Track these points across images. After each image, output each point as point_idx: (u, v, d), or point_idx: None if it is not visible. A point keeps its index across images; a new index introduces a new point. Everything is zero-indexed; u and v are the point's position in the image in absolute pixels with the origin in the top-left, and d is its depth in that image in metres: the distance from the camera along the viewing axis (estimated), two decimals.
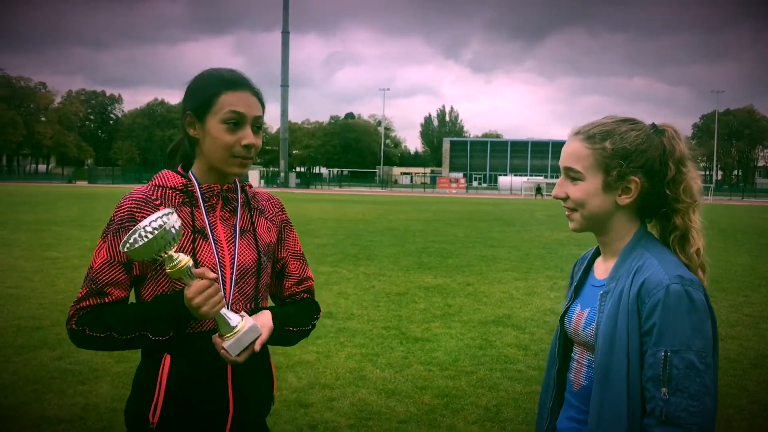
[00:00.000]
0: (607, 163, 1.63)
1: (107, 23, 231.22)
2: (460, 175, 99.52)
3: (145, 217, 1.68)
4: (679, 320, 1.48)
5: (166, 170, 1.89)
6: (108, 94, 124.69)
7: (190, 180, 1.84)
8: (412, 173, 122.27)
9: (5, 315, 7.42)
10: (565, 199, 1.70)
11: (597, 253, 1.83)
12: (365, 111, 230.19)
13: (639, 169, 1.63)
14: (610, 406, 1.55)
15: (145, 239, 1.59)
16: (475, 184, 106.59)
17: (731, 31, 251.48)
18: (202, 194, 1.84)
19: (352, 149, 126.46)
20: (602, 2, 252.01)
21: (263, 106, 1.88)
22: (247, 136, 1.79)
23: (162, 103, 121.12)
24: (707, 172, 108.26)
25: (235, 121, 1.78)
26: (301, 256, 2.09)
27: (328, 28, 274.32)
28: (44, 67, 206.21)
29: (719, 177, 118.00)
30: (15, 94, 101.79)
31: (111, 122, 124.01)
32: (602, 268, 1.75)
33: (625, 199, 1.65)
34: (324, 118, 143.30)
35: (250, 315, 1.81)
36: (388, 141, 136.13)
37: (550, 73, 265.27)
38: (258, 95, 1.85)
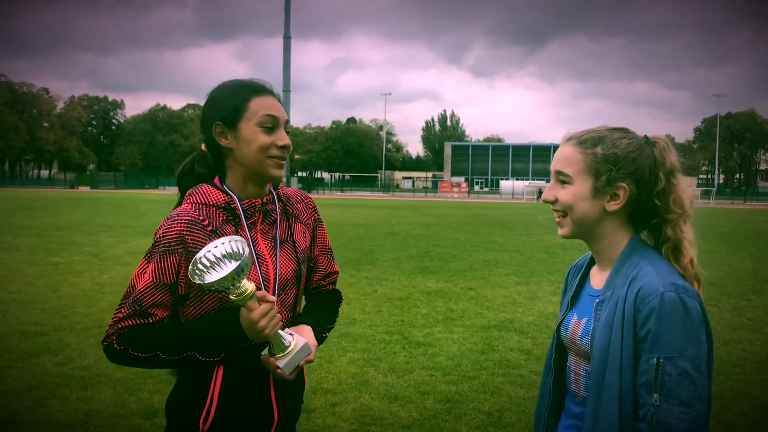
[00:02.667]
0: (597, 168, 1.65)
1: (113, 29, 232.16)
2: (461, 179, 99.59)
3: (196, 240, 1.74)
4: (674, 327, 1.49)
5: (204, 185, 1.86)
6: (110, 99, 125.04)
7: (230, 196, 1.84)
8: (413, 178, 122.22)
9: (8, 320, 7.43)
10: (554, 202, 1.71)
11: (593, 262, 1.83)
12: (367, 116, 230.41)
13: (628, 176, 1.64)
14: (603, 413, 1.56)
15: (221, 273, 1.60)
16: (476, 188, 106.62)
17: (732, 34, 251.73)
18: (244, 211, 1.84)
19: (353, 154, 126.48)
20: (603, 7, 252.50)
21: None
22: (283, 137, 1.84)
23: (164, 108, 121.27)
24: (709, 176, 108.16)
25: (271, 125, 1.82)
26: (329, 251, 2.14)
27: (332, 34, 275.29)
28: (48, 72, 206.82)
29: (721, 181, 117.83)
30: (17, 100, 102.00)
31: (113, 127, 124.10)
32: (598, 278, 1.75)
33: (613, 206, 1.66)
34: (326, 123, 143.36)
35: (289, 324, 1.86)
36: (389, 145, 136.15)
37: (551, 77, 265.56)
38: (281, 100, 1.90)
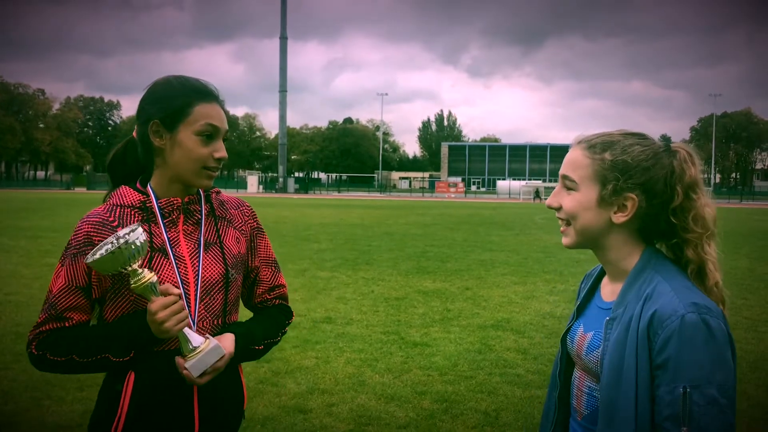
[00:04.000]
0: (604, 175, 1.52)
1: (112, 31, 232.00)
2: (458, 179, 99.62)
3: (103, 240, 1.68)
4: (697, 352, 1.35)
5: (124, 187, 1.82)
6: (106, 100, 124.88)
7: (148, 195, 1.78)
8: (410, 178, 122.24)
9: (4, 322, 7.41)
10: (559, 209, 1.60)
11: (603, 271, 1.70)
12: (364, 116, 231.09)
13: (637, 187, 1.50)
14: None
15: (109, 252, 1.58)
16: (473, 188, 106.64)
17: (728, 34, 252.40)
18: (160, 210, 1.78)
19: (350, 154, 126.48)
20: (600, 7, 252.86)
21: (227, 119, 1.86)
22: (220, 149, 1.78)
23: None
24: (705, 175, 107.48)
25: (210, 134, 1.76)
26: (274, 263, 2.04)
27: (329, 35, 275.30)
28: (46, 74, 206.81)
29: (717, 180, 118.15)
30: (13, 101, 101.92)
31: (109, 128, 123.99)
32: (608, 289, 1.63)
33: (620, 217, 1.52)
34: (323, 124, 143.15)
35: (218, 331, 1.79)
36: (386, 146, 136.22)
37: (548, 77, 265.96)
38: (224, 108, 1.83)
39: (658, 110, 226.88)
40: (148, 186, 1.81)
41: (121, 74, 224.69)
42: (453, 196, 74.72)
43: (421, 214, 32.02)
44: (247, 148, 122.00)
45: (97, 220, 1.75)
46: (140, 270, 1.63)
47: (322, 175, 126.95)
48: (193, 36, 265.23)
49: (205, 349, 1.69)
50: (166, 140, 1.76)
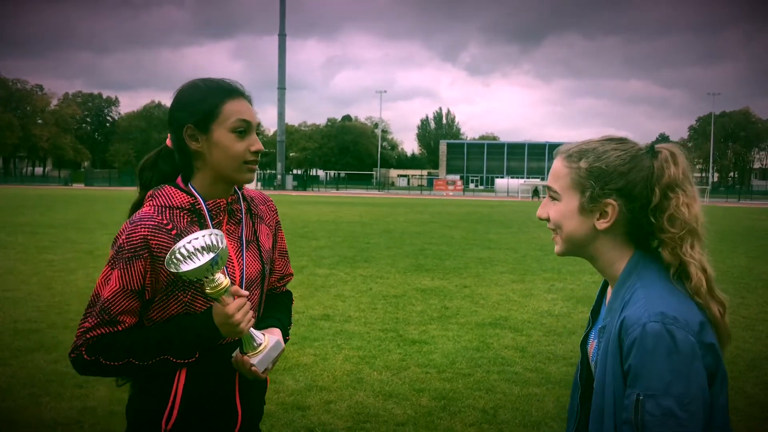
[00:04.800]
0: (582, 183, 1.53)
1: (112, 28, 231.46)
2: (456, 177, 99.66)
3: (161, 245, 1.70)
4: (657, 362, 1.34)
5: (167, 187, 1.82)
6: (105, 96, 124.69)
7: (195, 197, 1.81)
8: (409, 175, 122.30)
9: (2, 318, 7.41)
10: (547, 219, 1.62)
11: None
12: (363, 113, 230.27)
13: (615, 192, 1.51)
14: None
15: (198, 261, 1.59)
16: (471, 186, 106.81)
17: (726, 33, 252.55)
18: (209, 212, 1.81)
19: (349, 151, 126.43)
20: (598, 5, 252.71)
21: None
22: (256, 142, 1.82)
23: (159, 105, 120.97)
24: (703, 175, 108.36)
25: (243, 129, 1.79)
26: (286, 253, 2.13)
27: (329, 33, 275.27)
28: (45, 70, 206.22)
29: (715, 179, 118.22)
30: (11, 97, 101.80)
31: (108, 125, 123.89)
32: (610, 296, 1.63)
33: (602, 224, 1.53)
34: (322, 121, 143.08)
35: (254, 325, 1.83)
36: (385, 143, 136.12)
37: (546, 75, 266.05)
38: (252, 103, 1.87)
39: (656, 109, 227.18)
40: (191, 187, 1.82)
41: (121, 71, 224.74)
42: (451, 194, 74.73)
43: (419, 212, 32.01)
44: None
45: (153, 223, 1.73)
46: (218, 276, 1.64)
47: (321, 173, 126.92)
48: (193, 33, 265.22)
49: (269, 345, 1.76)
50: (203, 142, 1.79)
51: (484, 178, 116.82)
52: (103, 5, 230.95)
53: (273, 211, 2.06)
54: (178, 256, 1.61)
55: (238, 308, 1.68)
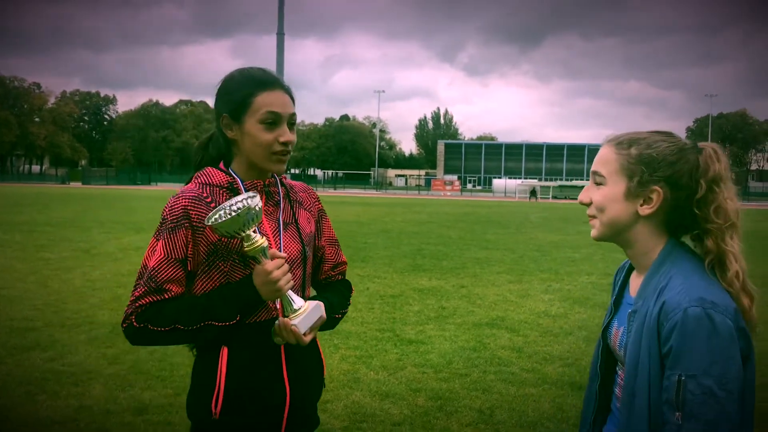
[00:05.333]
0: (631, 169, 1.60)
1: (112, 26, 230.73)
2: (454, 177, 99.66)
3: (200, 215, 1.81)
4: (697, 344, 1.42)
5: (209, 168, 1.93)
6: (102, 94, 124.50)
7: (233, 177, 1.90)
8: (406, 175, 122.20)
9: None
10: (589, 204, 1.68)
11: (633, 266, 1.78)
12: (361, 113, 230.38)
13: (663, 180, 1.58)
14: (634, 429, 1.53)
15: (231, 215, 1.68)
16: (469, 186, 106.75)
17: (724, 35, 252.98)
18: (246, 191, 1.89)
19: (347, 151, 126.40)
20: (597, 6, 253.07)
21: (294, 102, 1.94)
22: (284, 133, 1.87)
23: (156, 104, 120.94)
24: (732, 174, 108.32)
25: (272, 121, 1.85)
26: (336, 242, 2.19)
27: (327, 32, 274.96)
28: (43, 68, 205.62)
29: None
30: (8, 94, 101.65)
31: (105, 123, 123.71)
32: (635, 284, 1.71)
33: (645, 210, 1.60)
34: (320, 120, 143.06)
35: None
36: (383, 143, 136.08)
37: (545, 76, 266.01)
38: (289, 92, 1.92)
39: (654, 110, 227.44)
40: (230, 169, 1.93)
41: (119, 69, 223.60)
42: (449, 194, 74.76)
43: (417, 212, 32.03)
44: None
45: (193, 195, 1.84)
46: (254, 235, 1.74)
47: (318, 172, 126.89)
48: (192, 32, 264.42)
49: (308, 308, 1.82)
50: (236, 131, 1.88)
51: (482, 178, 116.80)
52: (102, 3, 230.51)
53: (314, 199, 2.13)
54: (220, 213, 1.71)
55: (277, 267, 1.76)
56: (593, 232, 1.69)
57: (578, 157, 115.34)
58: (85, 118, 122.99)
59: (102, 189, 57.84)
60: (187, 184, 1.93)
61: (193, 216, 1.81)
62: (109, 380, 5.26)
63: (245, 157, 1.90)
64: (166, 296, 1.80)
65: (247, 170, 1.92)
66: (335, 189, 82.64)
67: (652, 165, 1.59)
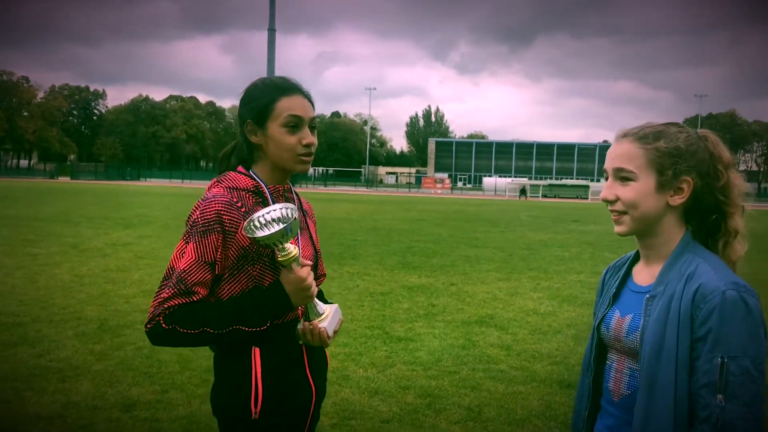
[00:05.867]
0: (660, 162, 1.62)
1: (102, 20, 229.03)
2: (445, 175, 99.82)
3: (232, 220, 1.86)
4: (735, 326, 1.47)
5: (231, 173, 1.99)
6: (92, 89, 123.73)
7: (257, 181, 1.97)
8: (397, 173, 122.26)
9: None
10: (614, 201, 1.66)
11: (636, 259, 1.80)
12: (352, 110, 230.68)
13: (693, 169, 1.62)
14: (656, 414, 1.53)
15: (273, 229, 1.76)
16: (459, 184, 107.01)
17: (713, 36, 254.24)
18: (270, 195, 1.98)
19: (337, 148, 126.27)
20: (588, 7, 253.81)
21: (314, 106, 2.02)
22: (306, 135, 1.95)
23: (146, 99, 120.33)
24: None
25: (294, 124, 1.94)
26: (320, 254, 2.24)
27: (319, 29, 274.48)
28: (33, 62, 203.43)
29: None
30: None
31: (94, 118, 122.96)
32: (644, 274, 1.72)
33: (677, 200, 1.63)
34: None
35: None
36: (374, 140, 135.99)
37: (536, 75, 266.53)
38: (309, 98, 2.00)
39: (644, 110, 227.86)
40: (252, 173, 2.00)
41: (109, 64, 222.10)
42: (439, 191, 74.85)
43: (407, 210, 32.05)
44: (234, 140, 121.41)
45: (225, 200, 1.88)
46: (289, 245, 1.82)
47: (309, 169, 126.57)
48: (183, 27, 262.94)
49: (331, 312, 1.94)
50: (260, 136, 1.96)
51: (472, 176, 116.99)
52: None
53: (313, 211, 2.27)
54: (256, 224, 1.78)
55: (309, 273, 1.86)
56: (621, 228, 1.68)
57: (568, 156, 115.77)
58: (74, 112, 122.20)
59: (91, 184, 57.52)
60: (213, 188, 1.97)
61: (225, 221, 1.85)
62: (96, 376, 5.24)
63: (269, 161, 1.97)
64: (195, 298, 1.83)
65: (270, 174, 1.99)
66: (326, 186, 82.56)
67: (682, 156, 1.62)
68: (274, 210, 1.79)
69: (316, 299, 1.92)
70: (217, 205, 1.86)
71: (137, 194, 38.49)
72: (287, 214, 1.79)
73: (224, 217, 1.85)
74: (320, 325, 1.88)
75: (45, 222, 18.15)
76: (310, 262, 1.91)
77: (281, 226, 1.77)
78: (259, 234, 1.76)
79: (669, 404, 1.52)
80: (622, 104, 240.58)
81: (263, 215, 1.79)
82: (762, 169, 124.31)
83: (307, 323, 1.90)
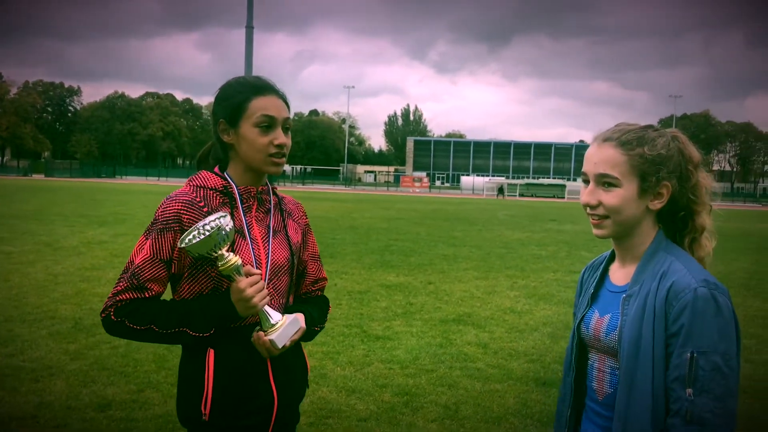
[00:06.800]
0: (644, 169, 1.63)
1: (79, 16, 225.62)
2: (423, 174, 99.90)
3: (192, 219, 1.85)
4: (706, 323, 1.50)
5: (204, 171, 1.98)
6: (67, 85, 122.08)
7: (228, 181, 1.95)
8: (375, 172, 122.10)
9: None
10: (596, 206, 1.67)
11: (611, 260, 1.83)
12: (330, 109, 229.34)
13: (672, 174, 1.65)
14: (636, 409, 1.56)
15: (202, 237, 1.73)
16: (438, 183, 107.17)
17: (687, 38, 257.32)
18: (240, 195, 1.95)
19: (316, 146, 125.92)
20: (565, 8, 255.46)
21: (289, 108, 1.99)
22: (279, 136, 1.92)
23: (122, 96, 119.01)
24: None
25: (267, 124, 1.91)
26: (318, 258, 2.26)
27: (298, 27, 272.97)
28: (6, 58, 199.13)
29: None
30: None
31: (69, 115, 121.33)
32: (620, 274, 1.75)
33: (657, 204, 1.66)
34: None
35: (283, 310, 1.97)
36: (352, 139, 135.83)
37: (513, 75, 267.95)
38: (284, 98, 1.98)
39: (620, 110, 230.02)
40: (226, 173, 1.98)
41: (86, 60, 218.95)
42: (417, 190, 74.99)
43: (385, 208, 32.06)
44: (211, 138, 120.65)
45: (187, 199, 1.89)
46: (227, 254, 1.79)
47: (287, 167, 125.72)
48: (161, 24, 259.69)
49: (285, 323, 1.87)
50: (233, 136, 1.94)
51: (451, 175, 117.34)
52: None
53: (302, 213, 2.20)
54: (192, 235, 1.75)
55: (250, 284, 1.80)
56: (602, 232, 1.70)
57: (545, 155, 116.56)
58: (49, 109, 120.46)
59: (66, 182, 56.75)
60: (184, 186, 1.97)
61: (185, 220, 1.85)
62: (71, 376, 5.18)
63: (241, 161, 1.95)
64: (147, 294, 1.84)
65: (242, 175, 1.96)
66: (304, 184, 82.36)
67: (664, 163, 1.65)
68: (212, 221, 1.75)
69: (269, 309, 1.86)
70: (177, 203, 1.87)
71: (113, 192, 38.07)
72: (220, 223, 1.75)
73: (184, 216, 1.85)
74: (266, 337, 1.83)
75: (19, 220, 17.88)
76: (257, 271, 1.84)
77: (203, 236, 1.73)
78: (189, 243, 1.75)
79: (647, 401, 1.54)
80: (599, 104, 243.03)
81: (201, 226, 1.75)
82: (735, 169, 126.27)
83: (256, 333, 1.87)
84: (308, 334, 2.04)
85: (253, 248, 1.93)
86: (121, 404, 4.64)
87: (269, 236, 1.99)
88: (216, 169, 1.99)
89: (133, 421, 4.37)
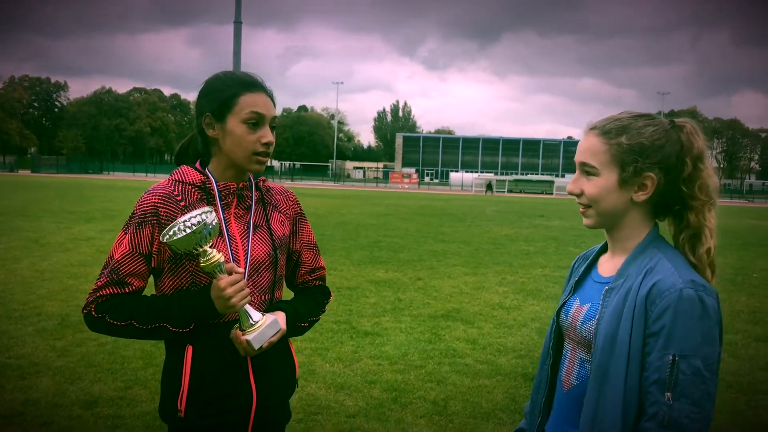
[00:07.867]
0: (623, 159, 1.60)
1: (68, 12, 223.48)
2: (412, 170, 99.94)
3: (169, 212, 1.84)
4: (691, 325, 1.46)
5: (184, 166, 1.96)
6: (53, 81, 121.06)
7: (207, 177, 1.92)
8: (364, 168, 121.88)
9: None
10: (580, 195, 1.66)
11: (602, 250, 1.80)
12: (319, 105, 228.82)
13: (655, 165, 1.59)
14: (606, 406, 1.53)
15: (185, 232, 1.71)
16: (427, 179, 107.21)
17: (674, 36, 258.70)
18: (219, 192, 1.92)
19: (304, 142, 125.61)
20: (554, 5, 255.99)
21: (275, 106, 1.98)
22: (267, 134, 1.91)
23: (109, 91, 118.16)
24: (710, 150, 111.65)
25: (255, 121, 1.89)
26: (315, 246, 2.20)
27: (288, 23, 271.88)
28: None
29: None
30: None
31: (56, 110, 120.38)
32: (608, 265, 1.72)
33: (641, 196, 1.62)
34: (278, 111, 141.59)
35: (266, 307, 1.96)
36: (341, 135, 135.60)
37: (502, 71, 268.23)
38: (272, 96, 1.97)
39: (608, 107, 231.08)
40: (207, 169, 1.95)
41: (74, 56, 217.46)
42: (407, 186, 74.95)
43: (374, 204, 32.04)
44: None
45: (164, 192, 1.87)
46: (210, 250, 1.76)
47: (276, 163, 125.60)
48: (150, 19, 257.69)
49: (264, 323, 1.84)
50: (218, 130, 1.91)
51: (439, 171, 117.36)
52: None
53: (291, 201, 2.14)
54: (174, 230, 1.73)
55: (231, 283, 1.77)
56: (588, 222, 1.69)
57: (533, 152, 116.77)
58: (35, 104, 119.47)
59: (52, 177, 56.35)
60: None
61: (162, 213, 1.84)
62: (57, 373, 5.14)
63: (224, 157, 1.92)
64: (127, 290, 1.84)
65: (223, 171, 1.94)
66: (292, 180, 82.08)
67: (644, 152, 1.59)
68: (194, 216, 1.73)
69: (249, 309, 1.83)
70: (154, 197, 1.85)
71: (100, 188, 37.84)
72: (203, 219, 1.73)
73: (161, 210, 1.84)
74: (244, 337, 1.81)
75: (5, 216, 17.74)
76: (240, 270, 1.81)
77: (186, 232, 1.71)
78: (171, 239, 1.73)
79: (618, 397, 1.51)
80: (587, 101, 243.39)
81: (183, 221, 1.73)
82: (722, 165, 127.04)
83: (235, 331, 1.85)
84: (295, 329, 2.01)
85: (231, 246, 1.91)
86: (108, 401, 4.61)
87: (249, 232, 1.96)
88: (197, 165, 1.96)
89: (120, 419, 4.35)
